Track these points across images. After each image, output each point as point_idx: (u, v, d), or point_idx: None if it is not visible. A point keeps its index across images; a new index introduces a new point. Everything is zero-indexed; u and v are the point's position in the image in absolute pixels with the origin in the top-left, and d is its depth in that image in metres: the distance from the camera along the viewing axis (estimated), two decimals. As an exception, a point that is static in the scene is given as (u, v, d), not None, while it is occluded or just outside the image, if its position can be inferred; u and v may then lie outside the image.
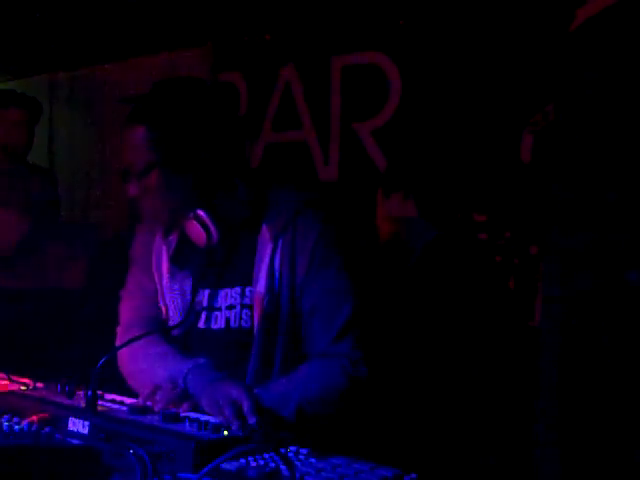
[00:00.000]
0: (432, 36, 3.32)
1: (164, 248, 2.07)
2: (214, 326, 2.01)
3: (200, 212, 1.91)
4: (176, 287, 2.04)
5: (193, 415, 1.65)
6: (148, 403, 1.76)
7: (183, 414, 1.65)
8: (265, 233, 1.96)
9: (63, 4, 3.80)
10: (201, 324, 2.03)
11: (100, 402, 1.72)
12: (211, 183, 1.95)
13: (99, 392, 1.74)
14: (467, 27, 3.22)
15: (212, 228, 1.91)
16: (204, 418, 1.62)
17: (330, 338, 1.92)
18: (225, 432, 1.53)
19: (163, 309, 2.07)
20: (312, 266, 1.94)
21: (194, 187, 1.93)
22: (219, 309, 2.01)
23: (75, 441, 1.58)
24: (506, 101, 3.11)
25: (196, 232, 1.93)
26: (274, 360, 1.95)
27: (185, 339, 2.04)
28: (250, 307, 1.96)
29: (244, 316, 1.98)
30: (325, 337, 1.93)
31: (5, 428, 1.55)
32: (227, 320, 1.99)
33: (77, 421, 1.62)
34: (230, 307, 1.99)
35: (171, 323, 2.05)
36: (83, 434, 1.60)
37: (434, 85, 3.33)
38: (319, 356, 1.93)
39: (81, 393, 1.75)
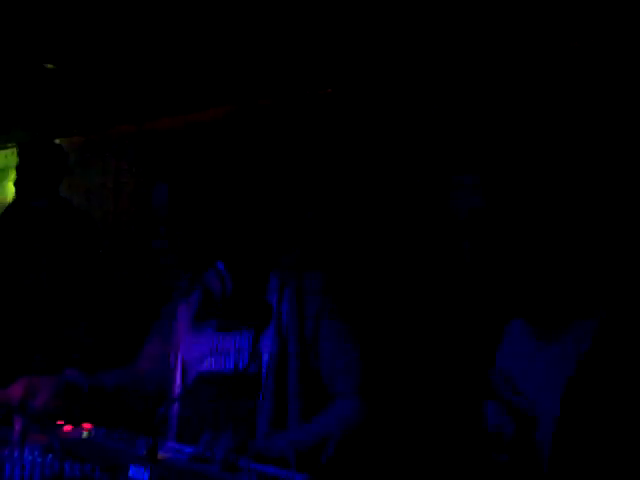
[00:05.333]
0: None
1: (184, 309, 2.22)
2: (222, 369, 2.07)
3: (219, 265, 2.05)
4: (196, 341, 2.15)
5: (252, 465, 1.65)
6: (207, 452, 1.76)
7: (243, 464, 1.65)
8: (273, 283, 2.08)
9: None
10: (208, 367, 2.09)
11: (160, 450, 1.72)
12: (231, 236, 2.08)
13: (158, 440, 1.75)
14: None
15: (228, 281, 2.05)
16: (263, 469, 1.61)
17: (348, 386, 1.98)
18: (284, 483, 1.52)
19: (178, 365, 2.18)
20: (321, 317, 2.03)
21: (216, 240, 2.07)
22: (227, 353, 2.07)
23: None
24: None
25: (214, 283, 2.07)
26: (286, 405, 1.99)
27: (191, 383, 2.12)
28: (259, 353, 2.03)
29: (253, 361, 2.03)
30: (343, 385, 1.99)
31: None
32: (235, 364, 2.05)
33: (137, 468, 1.63)
34: (239, 351, 2.05)
35: (191, 374, 2.14)
36: (143, 482, 1.60)
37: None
38: (341, 397, 1.99)
39: (141, 440, 1.75)
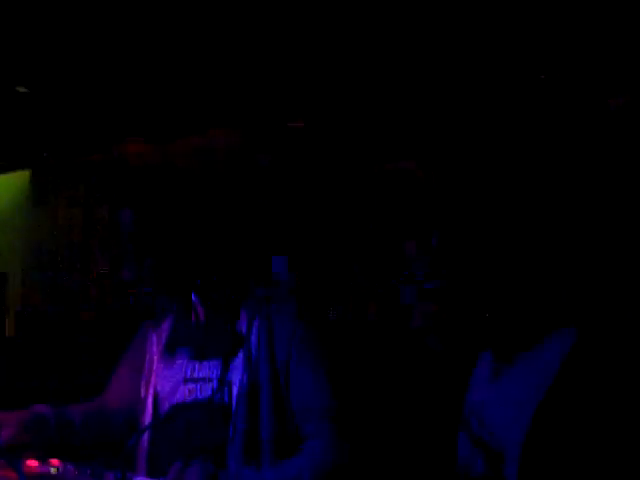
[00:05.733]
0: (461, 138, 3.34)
1: (154, 339, 2.17)
2: (194, 400, 2.04)
3: (192, 296, 2.04)
4: (167, 372, 2.11)
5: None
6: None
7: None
8: (242, 313, 2.05)
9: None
10: (180, 398, 2.06)
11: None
12: (201, 266, 2.05)
13: (127, 474, 1.72)
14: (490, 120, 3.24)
15: (200, 309, 2.05)
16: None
17: (320, 425, 1.95)
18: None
19: (149, 396, 2.13)
20: (292, 347, 1.99)
21: (187, 272, 2.04)
22: (199, 384, 2.04)
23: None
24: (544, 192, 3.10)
25: (185, 311, 2.07)
26: (259, 438, 1.95)
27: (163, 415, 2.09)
28: (229, 383, 2.00)
29: (223, 391, 2.00)
30: (315, 424, 1.95)
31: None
32: (207, 395, 2.01)
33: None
34: (210, 382, 2.02)
35: (163, 405, 2.10)
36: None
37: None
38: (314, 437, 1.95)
39: (110, 475, 1.72)
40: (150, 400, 2.12)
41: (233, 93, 3.79)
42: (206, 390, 2.02)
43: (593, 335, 1.48)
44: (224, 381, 2.00)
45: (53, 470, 1.85)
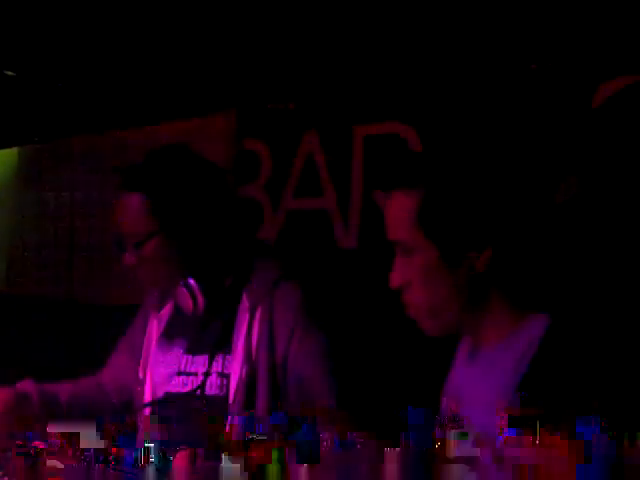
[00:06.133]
0: (454, 106, 3.34)
1: (155, 323, 2.16)
2: (188, 391, 2.04)
3: (191, 281, 1.99)
4: (164, 358, 2.11)
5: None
6: None
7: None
8: (244, 302, 2.01)
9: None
10: (174, 388, 2.07)
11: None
12: (203, 251, 2.02)
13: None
14: (489, 98, 3.24)
15: (199, 298, 1.99)
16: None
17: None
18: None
19: (147, 380, 2.13)
20: (293, 340, 1.97)
21: (188, 255, 2.01)
22: (195, 374, 2.04)
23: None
24: (528, 172, 3.11)
25: (184, 300, 2.00)
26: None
27: (156, 404, 2.09)
28: (226, 375, 1.98)
29: (220, 384, 2.00)
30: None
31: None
32: (202, 386, 2.02)
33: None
34: (206, 374, 2.01)
35: (158, 391, 2.11)
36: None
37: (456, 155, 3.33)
38: None
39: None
40: (148, 384, 2.13)
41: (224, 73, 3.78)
42: (197, 384, 2.03)
43: (565, 320, 1.53)
44: (217, 375, 2.00)
45: (38, 450, 1.85)
